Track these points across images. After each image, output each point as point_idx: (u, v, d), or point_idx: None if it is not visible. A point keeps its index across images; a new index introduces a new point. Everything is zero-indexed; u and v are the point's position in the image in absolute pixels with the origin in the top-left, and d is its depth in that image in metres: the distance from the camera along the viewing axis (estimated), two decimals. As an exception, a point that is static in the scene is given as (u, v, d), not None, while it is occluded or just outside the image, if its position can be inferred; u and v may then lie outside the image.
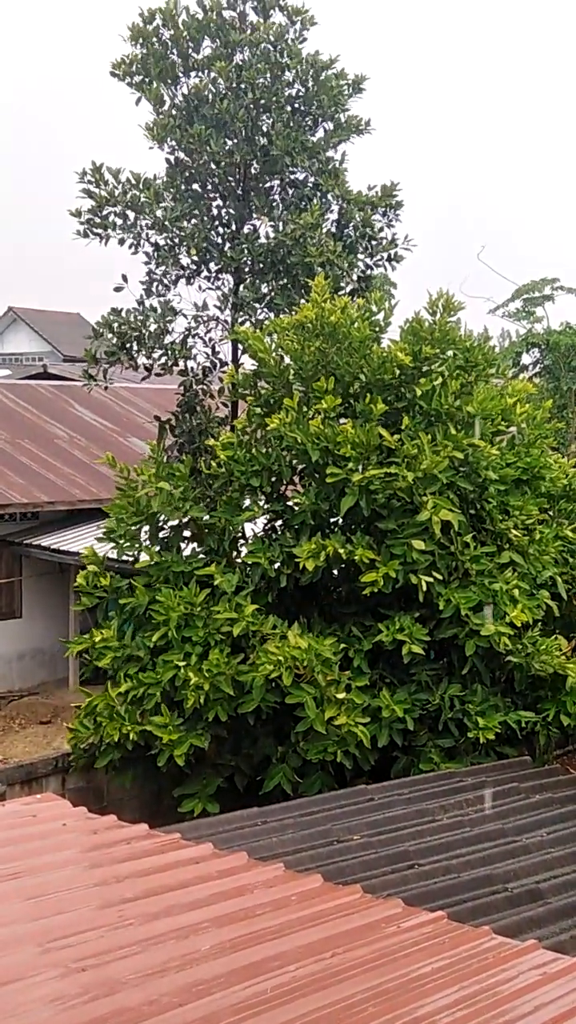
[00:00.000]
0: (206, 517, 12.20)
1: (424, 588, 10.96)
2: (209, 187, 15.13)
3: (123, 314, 14.61)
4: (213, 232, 15.01)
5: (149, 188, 14.54)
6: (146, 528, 12.30)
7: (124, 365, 14.86)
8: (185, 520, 12.24)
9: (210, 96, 14.90)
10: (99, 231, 14.78)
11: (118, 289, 14.99)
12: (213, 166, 14.81)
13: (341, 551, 11.09)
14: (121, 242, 14.93)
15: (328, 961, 4.77)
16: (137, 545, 12.34)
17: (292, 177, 15.10)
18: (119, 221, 14.76)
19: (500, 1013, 4.38)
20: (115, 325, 14.41)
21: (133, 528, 12.21)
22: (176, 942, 4.73)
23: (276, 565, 11.60)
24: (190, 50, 15.19)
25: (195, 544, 12.54)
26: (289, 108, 14.95)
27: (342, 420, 11.85)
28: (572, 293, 23.19)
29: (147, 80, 15.12)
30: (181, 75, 15.15)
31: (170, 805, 11.67)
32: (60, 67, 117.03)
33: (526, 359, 23.74)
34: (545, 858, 7.45)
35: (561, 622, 11.98)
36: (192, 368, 15.09)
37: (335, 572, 12.00)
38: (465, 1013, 4.39)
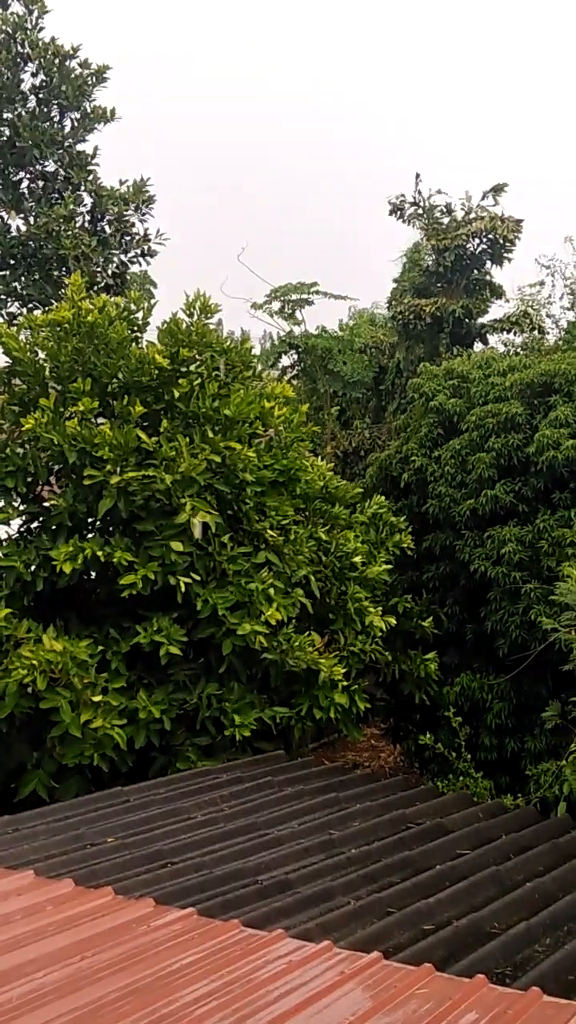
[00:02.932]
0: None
1: (183, 589, 11.04)
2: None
3: None
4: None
5: None
6: None
7: None
8: None
9: None
10: None
11: None
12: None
13: (99, 553, 11.02)
14: None
15: (78, 964, 4.78)
16: None
17: (41, 170, 14.89)
18: None
19: (249, 1002, 4.51)
20: None
21: None
22: None
23: (32, 568, 11.40)
24: None
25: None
26: (33, 98, 14.73)
27: (100, 421, 11.77)
28: (329, 298, 23.84)
29: None
30: None
31: None
32: None
33: (285, 361, 24.26)
34: (295, 849, 7.66)
35: (314, 619, 12.32)
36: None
37: (93, 574, 11.91)
38: (216, 1003, 4.49)
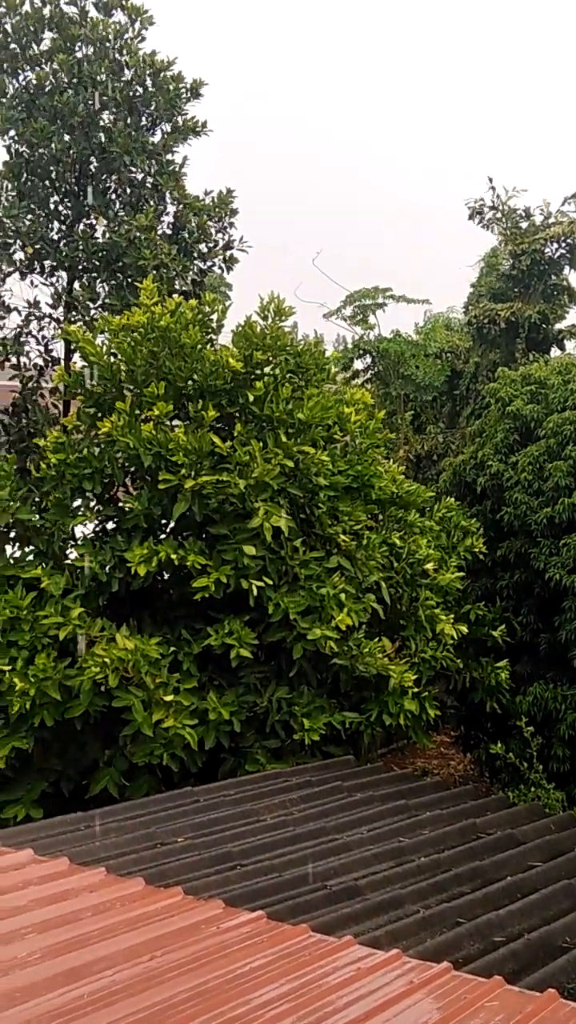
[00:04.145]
0: (35, 519, 12.02)
1: (255, 593, 11.08)
2: (47, 183, 14.97)
3: None
4: (49, 228, 14.86)
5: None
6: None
7: None
8: (11, 521, 12.02)
9: (49, 88, 14.76)
10: None
11: None
12: (52, 162, 14.65)
13: (173, 556, 11.10)
14: None
15: (148, 963, 4.81)
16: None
17: (130, 176, 15.08)
18: None
19: (318, 1007, 4.50)
20: None
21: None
22: (-5, 949, 4.69)
23: (107, 568, 11.52)
24: (30, 42, 15.01)
25: (21, 546, 12.33)
26: (127, 107, 14.92)
27: (174, 423, 11.86)
28: (403, 302, 23.75)
29: None
30: (20, 67, 14.96)
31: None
32: None
33: (358, 365, 24.22)
34: (364, 855, 7.63)
35: (385, 625, 12.28)
36: (25, 365, 14.90)
37: (166, 575, 12.00)
38: (285, 1008, 4.49)
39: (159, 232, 14.60)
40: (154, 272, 13.71)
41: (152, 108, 15.10)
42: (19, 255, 14.69)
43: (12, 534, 12.23)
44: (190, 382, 11.82)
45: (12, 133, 14.61)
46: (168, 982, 4.65)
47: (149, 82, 15.11)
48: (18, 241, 14.44)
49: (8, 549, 12.22)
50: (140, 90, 15.14)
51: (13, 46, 14.90)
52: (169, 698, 10.82)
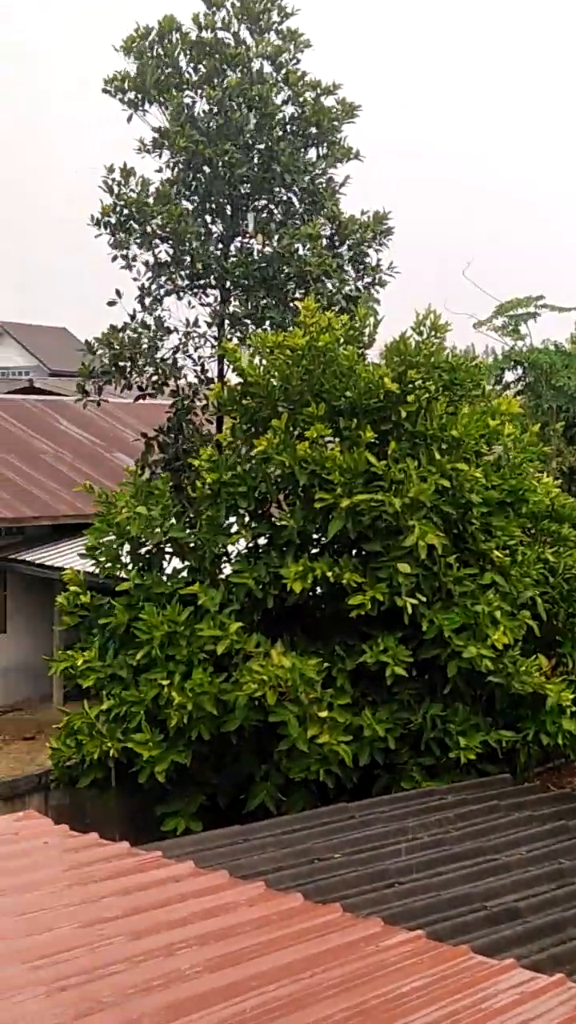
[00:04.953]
0: (189, 536, 12.25)
1: (409, 611, 11.04)
2: (205, 203, 15.33)
3: (119, 333, 14.75)
4: (207, 248, 15.21)
5: (167, 200, 14.67)
6: (127, 548, 12.33)
7: (116, 384, 15.02)
8: (166, 539, 12.27)
9: (204, 113, 15.11)
10: (116, 232, 14.92)
11: (111, 303, 15.14)
12: (210, 183, 14.99)
13: (329, 574, 11.16)
14: (119, 246, 15.07)
15: (308, 980, 4.81)
16: (119, 565, 12.35)
17: (284, 196, 15.32)
18: (133, 224, 14.94)
19: (478, 1033, 4.43)
20: (113, 343, 14.55)
21: (114, 548, 12.26)
22: (158, 961, 4.77)
23: (262, 585, 11.64)
24: (185, 67, 15.39)
25: (179, 561, 12.58)
26: (283, 128, 15.16)
27: (328, 440, 11.92)
28: (556, 311, 23.33)
29: (139, 96, 15.31)
30: (175, 91, 15.35)
31: (152, 823, 11.68)
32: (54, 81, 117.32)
33: (509, 376, 23.88)
34: (524, 876, 7.51)
35: (541, 642, 12.05)
36: (181, 387, 15.23)
37: (319, 591, 12.05)
38: (444, 1032, 4.43)
39: (321, 245, 14.79)
40: (314, 283, 13.86)
41: (311, 130, 15.31)
42: (179, 275, 15.05)
43: (168, 549, 12.49)
44: (343, 399, 11.86)
45: (170, 156, 15.01)
46: (327, 1000, 4.64)
47: (309, 105, 15.33)
48: (184, 259, 14.79)
49: (167, 567, 12.51)
50: (298, 111, 15.38)
51: (166, 72, 15.29)
52: (324, 714, 10.86)
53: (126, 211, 14.98)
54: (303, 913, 5.72)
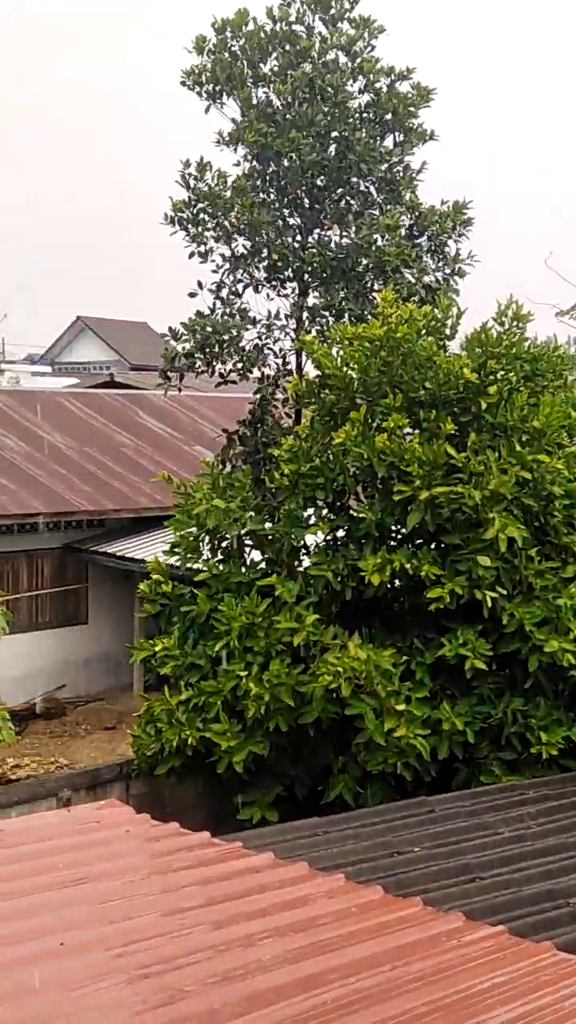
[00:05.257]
0: (267, 527, 12.28)
1: (489, 604, 10.93)
2: (282, 195, 15.33)
3: (204, 319, 14.81)
4: (284, 240, 15.21)
5: (242, 193, 14.69)
6: (207, 540, 12.44)
7: (199, 370, 15.08)
8: (245, 531, 12.33)
9: (281, 105, 15.10)
10: (190, 226, 14.99)
11: (192, 295, 15.22)
12: (286, 175, 14.99)
13: (407, 566, 11.09)
14: (195, 240, 15.14)
15: (388, 974, 4.79)
16: (199, 557, 12.47)
17: (363, 186, 15.25)
18: (207, 219, 15.00)
19: (561, 1030, 4.37)
20: (197, 329, 14.62)
21: (193, 541, 12.37)
22: (238, 951, 4.78)
23: (340, 577, 11.62)
24: (259, 60, 15.40)
25: (259, 553, 12.64)
26: (358, 116, 15.09)
27: (407, 432, 11.85)
28: None
29: (217, 89, 15.36)
30: (250, 85, 15.37)
31: (230, 812, 11.76)
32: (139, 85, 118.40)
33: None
34: (607, 875, 7.39)
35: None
36: (265, 375, 15.27)
37: (397, 584, 12.00)
38: (526, 1029, 4.39)
39: (400, 235, 14.70)
40: (392, 275, 13.78)
41: (387, 116, 15.21)
42: (257, 268, 15.07)
43: (248, 542, 12.55)
44: (422, 391, 11.77)
45: (247, 149, 15.03)
46: (408, 994, 4.62)
47: (384, 92, 15.24)
48: (262, 251, 14.81)
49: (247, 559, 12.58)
50: (373, 99, 15.29)
51: (242, 66, 15.32)
52: (401, 707, 10.81)
53: (199, 205, 15.04)
54: (383, 906, 5.71)
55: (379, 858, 7.43)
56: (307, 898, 5.67)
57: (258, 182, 15.16)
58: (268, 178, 15.23)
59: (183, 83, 15.54)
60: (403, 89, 15.39)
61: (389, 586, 11.74)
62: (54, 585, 19.08)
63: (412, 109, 15.29)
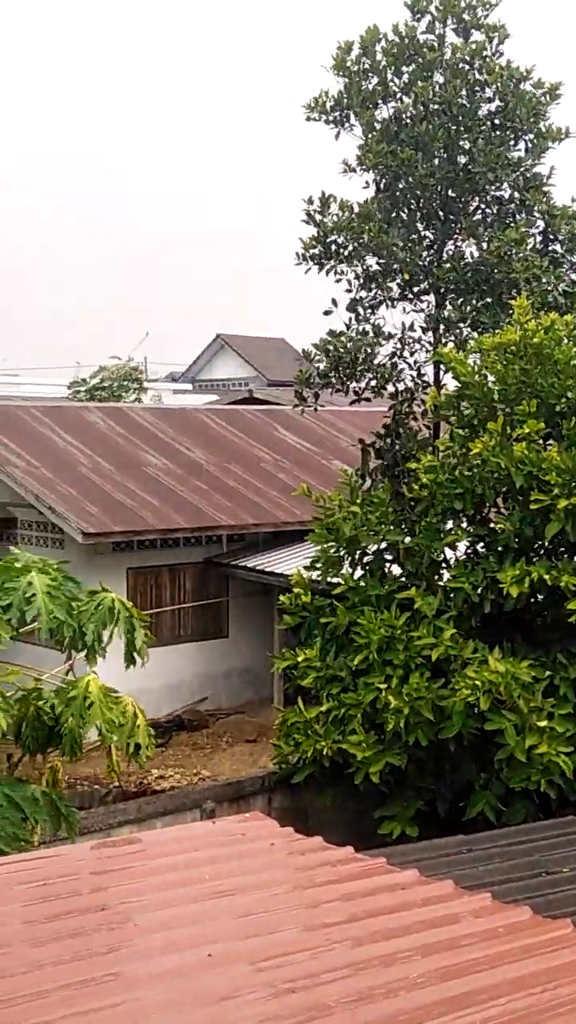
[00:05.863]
0: (406, 540, 12.22)
1: None
2: (413, 210, 15.24)
3: (337, 338, 14.83)
4: (418, 254, 15.11)
5: (371, 219, 14.64)
6: (346, 554, 12.47)
7: (334, 389, 15.12)
8: (385, 545, 12.29)
9: (409, 121, 15.01)
10: (323, 261, 15.02)
11: (327, 313, 15.26)
12: (416, 190, 14.90)
13: (546, 577, 10.89)
14: (328, 271, 15.15)
15: (538, 996, 4.68)
16: (340, 570, 12.50)
17: (494, 195, 15.06)
18: (339, 249, 15.00)
19: None
20: (330, 348, 14.65)
21: (334, 555, 12.41)
22: (382, 968, 4.73)
23: (479, 590, 11.48)
24: (390, 76, 15.34)
25: (399, 567, 12.58)
26: (488, 124, 14.91)
27: (548, 442, 11.66)
28: None
29: (345, 113, 15.34)
30: (380, 102, 15.32)
31: (371, 826, 11.71)
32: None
33: None
34: None
35: None
36: (400, 390, 15.20)
37: (540, 597, 11.79)
38: None
39: (529, 246, 14.44)
40: (526, 286, 13.56)
41: (515, 121, 14.98)
42: (392, 284, 15.01)
43: (388, 556, 12.51)
44: (564, 399, 11.57)
45: (379, 166, 14.98)
46: (559, 1017, 4.50)
47: (510, 95, 15.03)
48: (394, 270, 14.76)
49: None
50: (501, 104, 15.09)
51: (372, 84, 15.28)
52: (543, 723, 10.60)
53: (328, 239, 15.02)
54: (532, 927, 5.58)
55: (526, 878, 7.28)
56: (452, 917, 5.58)
57: (387, 203, 15.07)
58: (398, 195, 15.15)
59: (308, 117, 15.51)
60: (526, 89, 15.10)
61: (531, 600, 11.55)
62: (195, 599, 19.33)
63: (540, 110, 15.00)
